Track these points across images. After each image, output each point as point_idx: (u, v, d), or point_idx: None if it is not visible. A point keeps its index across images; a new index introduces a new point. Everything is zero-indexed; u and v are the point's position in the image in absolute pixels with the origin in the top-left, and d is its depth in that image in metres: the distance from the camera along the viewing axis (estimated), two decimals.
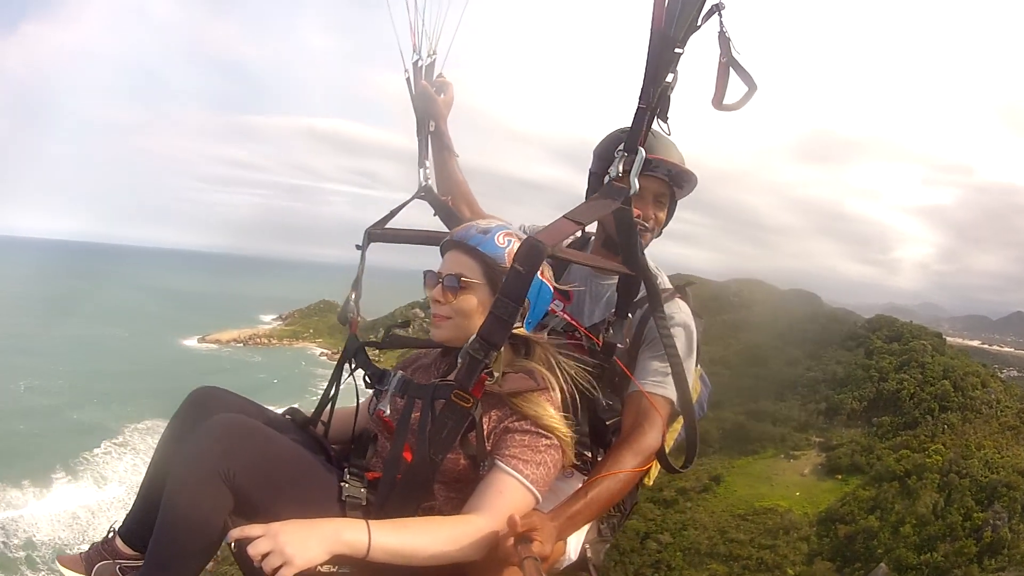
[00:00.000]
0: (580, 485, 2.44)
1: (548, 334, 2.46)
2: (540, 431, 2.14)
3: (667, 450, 2.67)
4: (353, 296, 2.58)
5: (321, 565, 1.84)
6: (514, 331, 2.15)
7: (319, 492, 2.06)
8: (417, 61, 3.05)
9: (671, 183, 2.79)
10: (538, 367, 2.24)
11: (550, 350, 2.30)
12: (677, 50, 2.16)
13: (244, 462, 1.94)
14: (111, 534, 2.39)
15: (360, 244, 2.62)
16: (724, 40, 2.28)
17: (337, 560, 1.86)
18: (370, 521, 1.91)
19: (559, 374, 2.26)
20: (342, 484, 2.10)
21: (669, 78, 2.16)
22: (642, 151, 2.20)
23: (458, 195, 3.20)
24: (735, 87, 2.33)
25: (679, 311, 2.72)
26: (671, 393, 2.51)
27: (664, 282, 2.83)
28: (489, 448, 2.13)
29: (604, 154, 2.70)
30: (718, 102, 2.36)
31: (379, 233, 2.68)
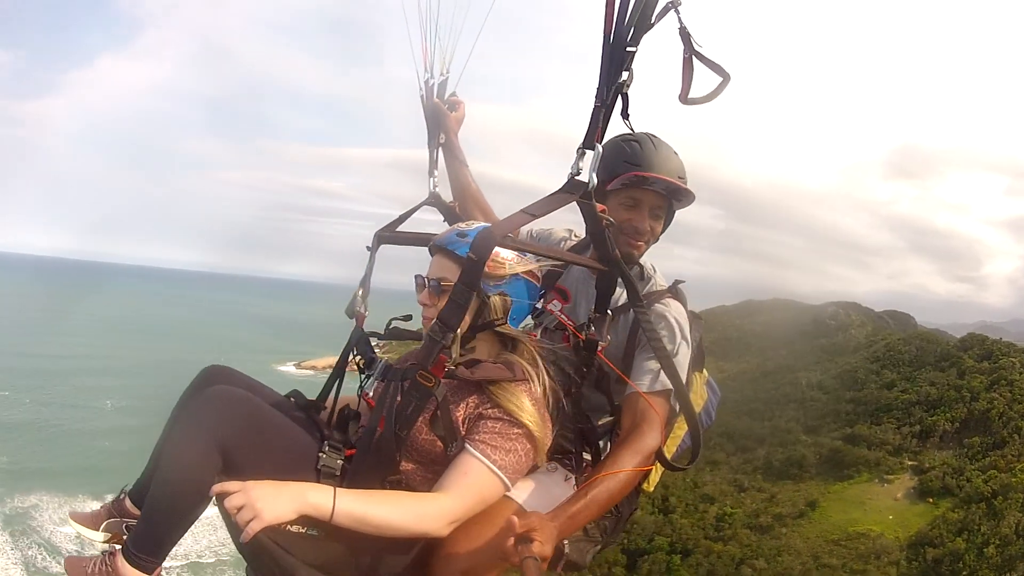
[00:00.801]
0: (564, 479, 2.62)
1: (544, 333, 2.72)
2: (512, 420, 2.22)
3: (669, 455, 2.78)
4: (360, 292, 2.75)
5: (291, 526, 2.04)
6: (498, 327, 2.33)
7: (298, 460, 2.20)
8: (428, 80, 3.20)
9: (669, 197, 2.87)
10: (520, 361, 2.34)
11: (533, 347, 2.41)
12: (630, 48, 2.24)
13: (234, 428, 2.13)
14: (122, 495, 2.56)
15: (369, 246, 2.80)
16: (685, 35, 2.39)
17: (306, 522, 2.04)
18: (338, 488, 2.05)
19: (541, 370, 2.36)
20: (320, 454, 2.25)
21: (624, 76, 2.26)
22: (598, 147, 2.29)
23: (471, 202, 3.32)
24: (710, 81, 2.43)
25: (667, 308, 2.79)
26: (665, 387, 2.57)
27: (658, 283, 2.95)
28: (464, 433, 2.24)
29: (604, 161, 2.47)
30: (684, 96, 2.47)
31: (388, 236, 2.84)
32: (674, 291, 2.94)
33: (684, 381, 2.63)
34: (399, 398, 2.25)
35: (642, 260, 3.01)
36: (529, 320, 2.60)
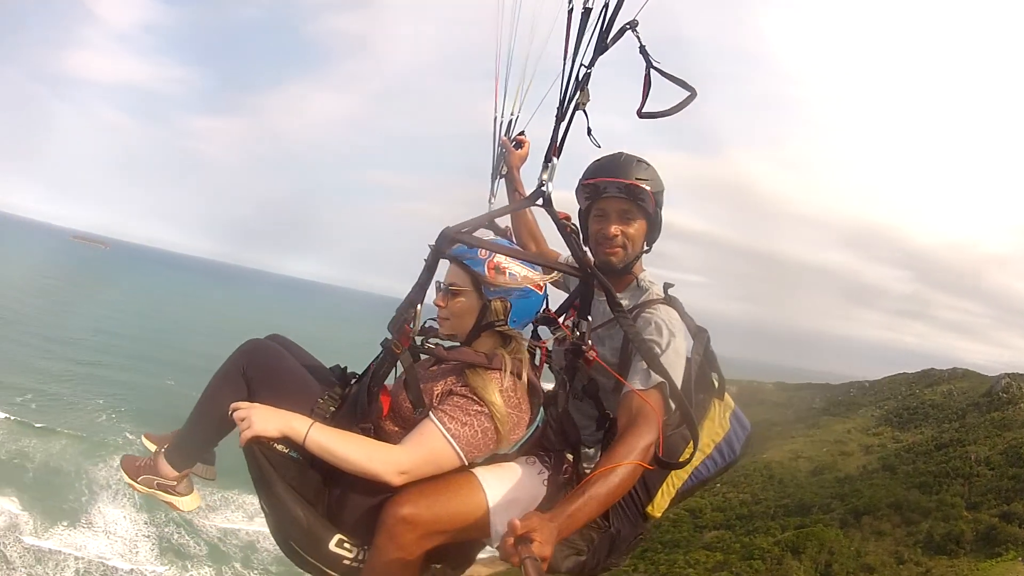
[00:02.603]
0: (537, 473, 2.71)
1: (559, 343, 2.83)
2: (474, 399, 2.52)
3: (671, 497, 2.83)
4: (418, 309, 2.76)
5: (278, 445, 2.52)
6: (498, 328, 2.63)
7: (300, 401, 2.65)
8: (497, 119, 3.53)
9: (630, 198, 2.91)
10: (503, 354, 2.61)
11: (523, 346, 2.72)
12: (588, 70, 2.53)
13: (258, 366, 2.79)
14: (155, 456, 3.07)
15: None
16: (644, 53, 2.60)
17: (289, 444, 2.52)
18: (316, 423, 2.50)
19: (523, 364, 2.62)
20: (318, 400, 2.69)
21: (580, 95, 2.54)
22: (555, 160, 2.64)
23: (525, 230, 3.61)
24: (674, 96, 2.59)
25: (655, 312, 2.83)
26: (657, 383, 2.54)
27: (654, 294, 2.99)
28: (434, 404, 2.57)
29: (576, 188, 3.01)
30: (640, 110, 2.67)
31: (464, 237, 2.76)
32: (667, 299, 2.96)
33: (680, 377, 2.64)
34: (377, 362, 2.73)
35: (641, 275, 3.10)
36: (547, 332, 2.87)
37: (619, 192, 2.92)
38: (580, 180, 3.05)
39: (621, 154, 3.01)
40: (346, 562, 2.58)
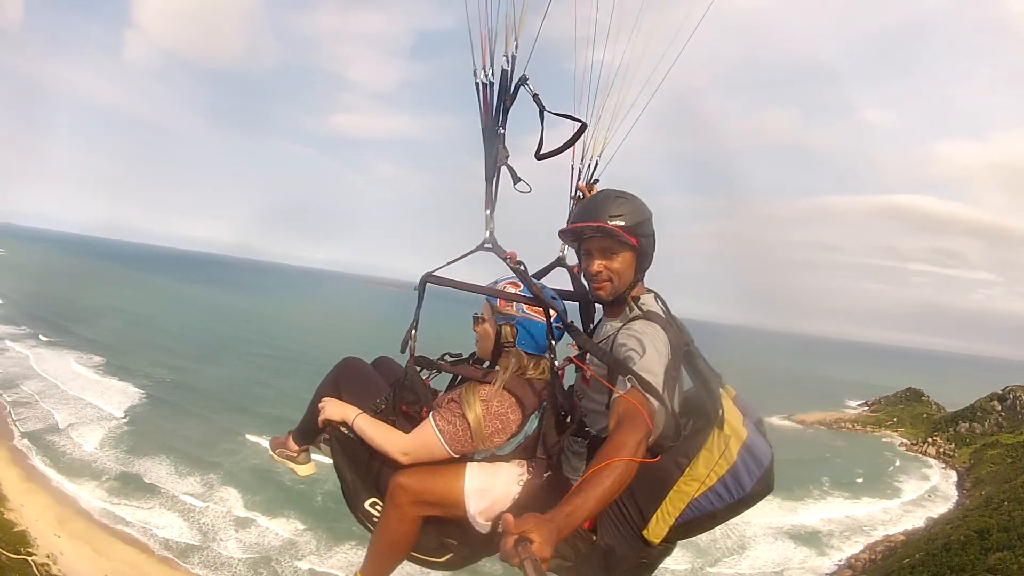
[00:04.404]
0: (517, 475, 3.21)
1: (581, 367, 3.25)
2: (460, 404, 3.18)
3: (669, 524, 2.86)
4: (414, 332, 3.35)
5: (342, 427, 3.42)
6: (506, 348, 3.25)
7: (365, 400, 3.45)
8: (573, 166, 3.80)
9: (602, 235, 3.10)
10: (502, 371, 3.24)
11: (527, 365, 3.26)
12: (500, 131, 3.23)
13: (345, 376, 3.61)
14: (287, 435, 3.96)
15: (417, 287, 3.31)
16: (537, 100, 3.20)
17: (347, 428, 3.39)
18: (361, 413, 3.37)
19: (515, 380, 3.22)
20: (376, 400, 3.44)
21: (502, 152, 3.21)
22: (487, 212, 3.25)
23: None
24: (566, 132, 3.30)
25: (629, 327, 2.99)
26: (636, 384, 2.65)
27: (639, 313, 3.10)
28: (438, 405, 3.28)
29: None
30: (537, 154, 3.25)
31: (435, 279, 3.22)
32: (645, 314, 3.08)
33: (659, 374, 2.73)
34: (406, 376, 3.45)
35: (642, 297, 3.22)
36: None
37: (596, 233, 3.11)
38: (562, 228, 3.43)
39: (599, 194, 3.27)
40: (375, 519, 3.35)
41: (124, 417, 47.15)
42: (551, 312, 3.13)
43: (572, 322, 3.33)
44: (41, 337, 65.80)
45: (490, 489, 3.16)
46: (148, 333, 78.69)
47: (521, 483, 3.19)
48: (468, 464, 3.23)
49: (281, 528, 35.23)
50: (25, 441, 40.52)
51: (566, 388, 3.36)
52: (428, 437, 3.18)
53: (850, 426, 78.60)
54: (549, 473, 3.19)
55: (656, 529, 2.86)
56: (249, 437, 45.52)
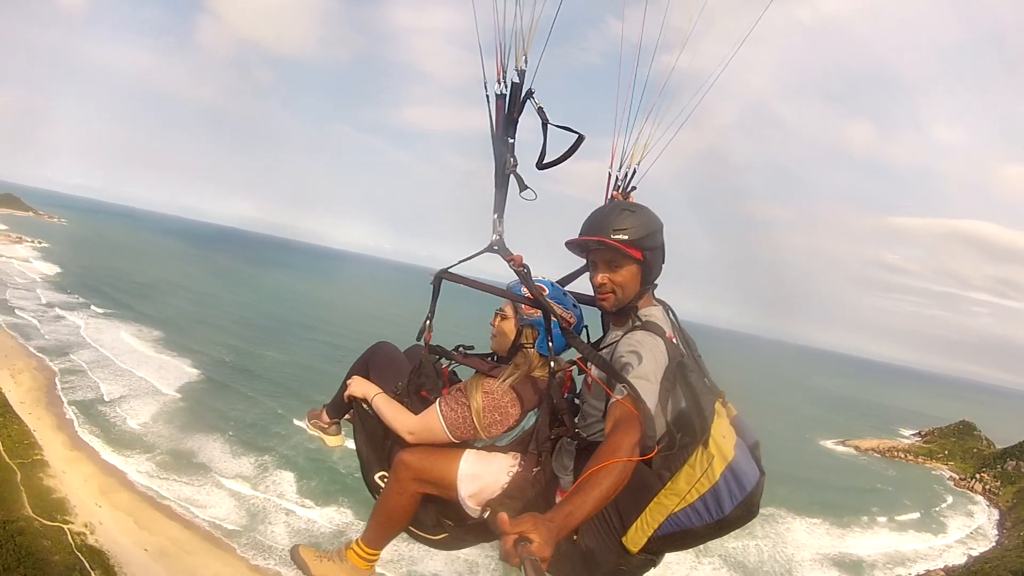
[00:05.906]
0: (508, 467, 3.31)
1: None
2: (464, 393, 3.37)
3: (647, 535, 2.86)
4: (428, 322, 3.63)
5: (363, 404, 3.67)
6: (525, 347, 3.42)
7: (390, 381, 3.69)
8: (610, 173, 3.85)
9: (605, 248, 3.16)
10: (512, 367, 3.42)
11: (536, 365, 3.41)
12: (510, 140, 3.36)
13: (375, 358, 3.90)
14: (322, 408, 4.21)
15: (432, 282, 3.51)
16: (542, 113, 3.33)
17: (366, 403, 3.65)
18: (380, 393, 3.62)
19: (522, 376, 3.39)
20: (398, 383, 3.66)
21: (511, 161, 3.32)
22: (495, 216, 3.38)
23: None
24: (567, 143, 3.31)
25: (630, 336, 3.04)
26: (631, 389, 2.71)
27: (639, 323, 3.14)
28: (446, 392, 3.47)
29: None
30: (539, 163, 3.39)
31: (450, 275, 3.47)
32: (643, 324, 3.13)
33: (657, 386, 2.81)
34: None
35: (644, 309, 3.27)
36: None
37: (598, 246, 3.19)
38: (570, 240, 3.37)
39: (606, 207, 3.34)
40: (381, 490, 3.57)
41: (178, 394, 47.41)
42: (551, 317, 3.25)
43: (586, 326, 3.53)
44: (95, 308, 66.84)
45: (481, 475, 3.32)
46: (210, 312, 79.33)
47: (511, 474, 3.31)
48: (467, 450, 3.40)
49: (331, 516, 35.01)
50: (73, 409, 40.66)
51: (571, 390, 3.48)
52: (432, 421, 3.38)
53: (903, 456, 77.48)
54: (538, 468, 3.26)
55: (635, 537, 2.89)
56: (303, 424, 43.51)
